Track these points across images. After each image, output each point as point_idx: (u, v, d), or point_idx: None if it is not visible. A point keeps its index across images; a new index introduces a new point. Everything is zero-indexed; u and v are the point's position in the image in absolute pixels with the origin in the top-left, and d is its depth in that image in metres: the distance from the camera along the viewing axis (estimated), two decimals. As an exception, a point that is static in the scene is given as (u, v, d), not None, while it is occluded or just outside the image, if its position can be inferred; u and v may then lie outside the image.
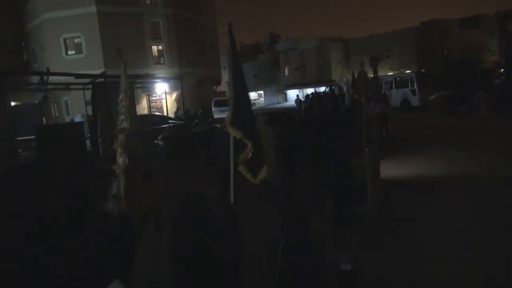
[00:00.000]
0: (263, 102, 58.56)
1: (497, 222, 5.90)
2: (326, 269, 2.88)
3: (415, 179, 8.90)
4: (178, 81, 20.43)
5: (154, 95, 28.17)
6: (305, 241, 2.83)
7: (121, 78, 3.77)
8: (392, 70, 41.81)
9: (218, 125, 16.89)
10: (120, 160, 3.45)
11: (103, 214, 3.01)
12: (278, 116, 11.44)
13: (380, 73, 31.60)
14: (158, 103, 29.42)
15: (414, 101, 25.26)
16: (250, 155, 3.64)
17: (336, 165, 6.41)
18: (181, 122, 20.11)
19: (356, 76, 12.48)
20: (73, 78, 14.45)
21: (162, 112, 25.56)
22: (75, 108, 25.48)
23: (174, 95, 29.89)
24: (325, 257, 2.94)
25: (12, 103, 19.21)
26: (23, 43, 33.03)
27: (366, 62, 47.70)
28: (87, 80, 15.46)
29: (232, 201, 3.68)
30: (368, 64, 46.19)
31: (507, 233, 5.45)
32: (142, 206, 5.81)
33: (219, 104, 30.79)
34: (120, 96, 3.64)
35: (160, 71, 27.67)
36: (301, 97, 35.02)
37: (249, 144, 3.61)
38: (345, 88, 20.86)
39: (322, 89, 37.43)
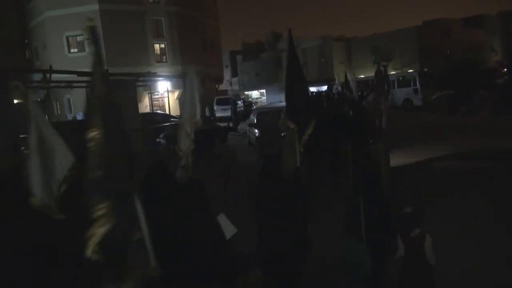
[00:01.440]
0: (265, 100, 58.55)
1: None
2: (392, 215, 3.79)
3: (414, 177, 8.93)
4: (180, 80, 20.46)
5: (156, 93, 28.19)
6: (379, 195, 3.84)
7: (192, 79, 4.62)
8: (394, 69, 41.77)
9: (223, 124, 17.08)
10: (184, 145, 4.27)
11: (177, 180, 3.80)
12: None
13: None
14: (160, 102, 29.46)
15: (416, 100, 25.21)
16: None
17: (356, 150, 7.21)
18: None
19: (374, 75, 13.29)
20: (75, 76, 14.49)
21: (164, 110, 25.59)
22: (78, 106, 25.56)
23: (176, 94, 29.93)
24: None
25: (15, 101, 19.25)
26: (26, 41, 33.12)
27: (371, 61, 47.71)
28: (89, 78, 15.49)
29: (298, 164, 4.76)
30: (372, 62, 46.16)
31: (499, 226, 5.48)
32: (221, 161, 8.18)
33: (221, 102, 30.78)
34: (195, 93, 4.56)
35: (162, 69, 27.73)
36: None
37: (293, 126, 4.86)
38: (339, 88, 22.04)
39: (324, 88, 37.43)
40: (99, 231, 2.17)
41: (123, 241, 2.28)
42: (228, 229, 3.65)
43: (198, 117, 4.40)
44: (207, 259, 3.28)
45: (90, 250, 2.16)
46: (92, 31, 2.34)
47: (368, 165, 5.09)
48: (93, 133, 2.15)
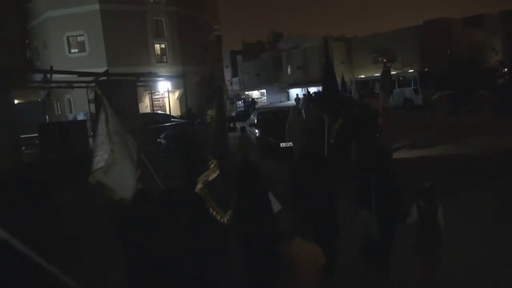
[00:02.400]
0: (265, 100, 58.54)
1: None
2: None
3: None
4: (181, 80, 20.42)
5: (157, 93, 28.18)
6: (389, 180, 4.34)
7: (221, 84, 5.75)
8: (395, 69, 41.76)
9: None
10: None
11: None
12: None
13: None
14: (161, 102, 29.46)
15: (417, 100, 25.16)
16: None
17: (362, 143, 8.20)
18: (183, 120, 20.12)
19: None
20: (76, 76, 14.48)
21: (165, 110, 25.58)
22: (78, 106, 25.57)
23: (177, 94, 29.93)
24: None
25: (16, 101, 19.27)
26: (26, 41, 33.11)
27: (372, 60, 47.58)
28: (90, 78, 15.50)
29: (325, 154, 5.89)
30: (372, 62, 46.10)
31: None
32: (240, 149, 9.99)
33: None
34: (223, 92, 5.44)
35: (162, 70, 27.71)
36: (300, 96, 35.03)
37: (324, 117, 6.65)
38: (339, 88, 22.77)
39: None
40: (212, 175, 3.60)
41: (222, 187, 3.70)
42: (274, 205, 4.22)
43: (230, 111, 5.28)
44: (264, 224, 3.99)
45: (199, 188, 3.56)
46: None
47: (376, 154, 5.34)
48: (211, 112, 3.39)
